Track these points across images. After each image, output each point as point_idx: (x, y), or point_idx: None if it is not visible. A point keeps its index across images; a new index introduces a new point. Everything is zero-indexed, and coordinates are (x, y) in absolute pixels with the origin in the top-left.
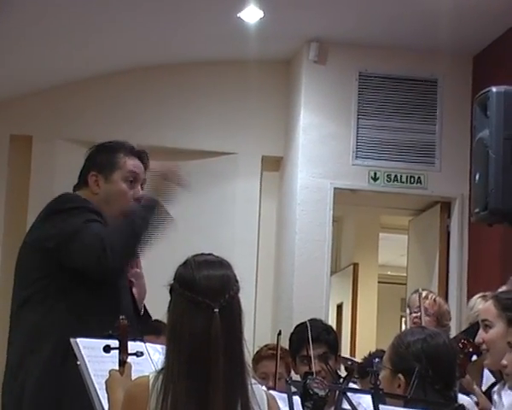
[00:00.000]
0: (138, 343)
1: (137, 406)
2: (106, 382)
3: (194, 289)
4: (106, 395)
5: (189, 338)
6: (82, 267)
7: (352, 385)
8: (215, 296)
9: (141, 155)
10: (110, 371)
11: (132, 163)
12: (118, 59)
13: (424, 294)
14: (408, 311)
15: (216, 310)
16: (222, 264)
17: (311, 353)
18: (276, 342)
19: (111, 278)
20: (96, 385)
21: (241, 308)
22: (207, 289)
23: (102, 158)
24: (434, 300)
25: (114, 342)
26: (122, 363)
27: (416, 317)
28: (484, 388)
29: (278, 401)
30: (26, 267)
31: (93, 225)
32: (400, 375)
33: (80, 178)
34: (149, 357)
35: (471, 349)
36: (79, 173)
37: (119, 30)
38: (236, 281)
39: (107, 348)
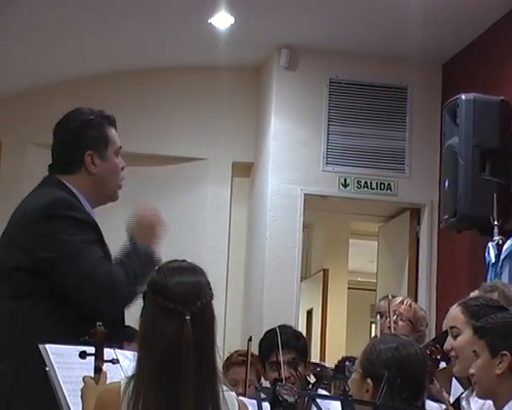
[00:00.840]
0: (109, 350)
1: (116, 398)
2: (81, 390)
3: (167, 295)
4: (76, 401)
5: (160, 345)
6: (80, 297)
7: (321, 391)
8: (187, 303)
9: (113, 122)
10: (84, 379)
11: (117, 135)
12: (87, 64)
13: (399, 299)
14: (378, 317)
15: (187, 317)
16: (195, 270)
17: (281, 359)
18: (243, 350)
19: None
20: (65, 392)
21: (214, 316)
22: (179, 296)
23: (94, 134)
24: (410, 305)
25: (90, 349)
26: (97, 370)
27: (388, 322)
28: (452, 399)
29: (249, 408)
30: (8, 263)
31: (101, 259)
32: (369, 380)
33: (69, 160)
34: (119, 364)
35: (439, 356)
36: (62, 154)
37: (88, 35)
38: (210, 288)
39: (82, 354)
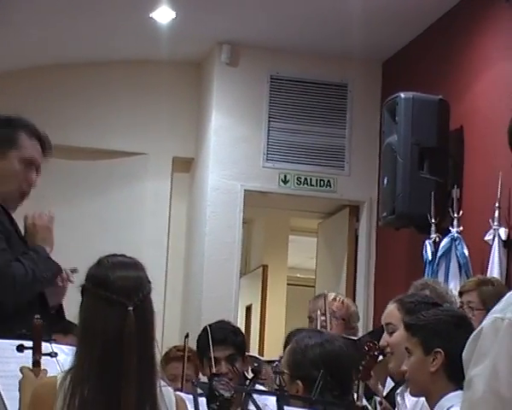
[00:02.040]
0: (46, 344)
1: (44, 406)
2: (20, 382)
3: (109, 288)
4: (11, 396)
5: (101, 337)
6: None
7: (258, 387)
8: (129, 295)
9: (42, 140)
10: (22, 370)
11: (32, 147)
12: (26, 56)
13: (332, 296)
14: (315, 315)
15: (130, 308)
16: (136, 265)
17: (212, 355)
18: (181, 345)
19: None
20: (0, 386)
21: (153, 309)
22: (122, 289)
23: (1, 132)
24: (342, 302)
25: (28, 342)
26: (36, 363)
27: (324, 320)
28: (385, 392)
29: (186, 403)
30: None
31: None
32: (298, 381)
33: None
34: (56, 357)
35: (376, 352)
36: None
37: (28, 27)
38: (149, 282)
39: (20, 348)
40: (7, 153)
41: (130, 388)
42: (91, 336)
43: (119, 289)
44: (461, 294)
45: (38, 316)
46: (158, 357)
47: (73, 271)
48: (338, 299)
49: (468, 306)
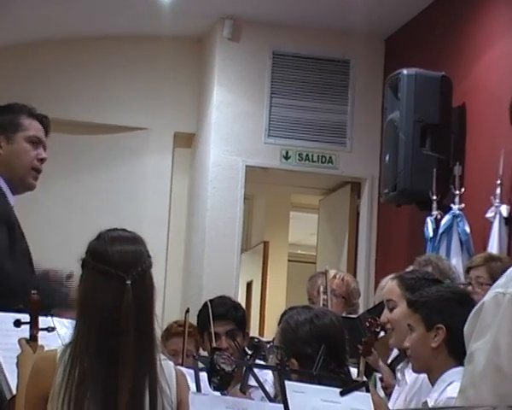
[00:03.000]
0: (46, 318)
1: (43, 379)
2: (18, 356)
3: (108, 261)
4: (11, 369)
5: (100, 310)
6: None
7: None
8: (128, 269)
9: (42, 119)
10: (20, 342)
11: (35, 126)
12: (28, 30)
13: (332, 273)
14: (315, 294)
15: (128, 282)
16: (135, 239)
17: (212, 330)
18: (182, 320)
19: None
20: (1, 358)
21: (153, 284)
22: (120, 263)
23: (4, 119)
24: (342, 279)
25: (25, 317)
26: (33, 338)
27: (325, 299)
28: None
29: (187, 377)
30: None
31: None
32: (293, 360)
33: None
34: (56, 332)
35: (378, 328)
36: None
37: (33, 1)
38: (149, 256)
39: (17, 323)
40: (13, 137)
41: (127, 360)
42: (90, 309)
43: (118, 263)
44: (469, 269)
45: (35, 291)
46: (158, 332)
47: (69, 277)
48: (338, 276)
49: (477, 281)
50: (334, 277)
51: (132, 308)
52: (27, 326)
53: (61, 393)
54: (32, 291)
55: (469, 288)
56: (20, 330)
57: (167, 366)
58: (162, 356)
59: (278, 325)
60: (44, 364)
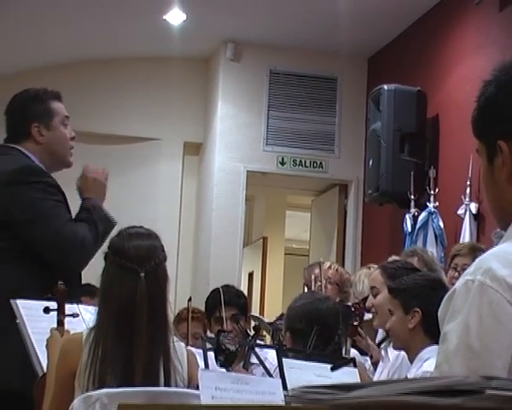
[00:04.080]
0: (72, 305)
1: (71, 358)
2: (47, 339)
3: (124, 256)
4: (42, 349)
5: (117, 299)
6: (51, 255)
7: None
8: (142, 263)
9: (59, 97)
10: (51, 330)
11: (62, 107)
12: (52, 54)
13: (328, 264)
14: (314, 280)
15: (142, 274)
16: (150, 235)
17: (224, 314)
18: (192, 306)
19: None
20: (34, 341)
21: (167, 275)
22: (135, 257)
23: (38, 108)
24: (337, 269)
25: (53, 304)
26: (60, 323)
27: (319, 286)
28: (377, 341)
29: (196, 356)
30: None
31: (68, 222)
32: (288, 332)
33: (18, 132)
34: (82, 317)
35: (363, 312)
36: (12, 127)
37: (52, 25)
38: (163, 250)
39: (46, 310)
40: (51, 123)
41: (141, 342)
42: (109, 297)
43: (133, 256)
44: (454, 256)
45: (62, 282)
46: (171, 317)
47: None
48: (333, 267)
49: (463, 268)
50: (330, 267)
51: (146, 297)
52: (55, 313)
53: (86, 370)
54: (59, 282)
55: (451, 273)
56: (50, 316)
57: (179, 347)
58: (175, 338)
59: None
60: (72, 345)
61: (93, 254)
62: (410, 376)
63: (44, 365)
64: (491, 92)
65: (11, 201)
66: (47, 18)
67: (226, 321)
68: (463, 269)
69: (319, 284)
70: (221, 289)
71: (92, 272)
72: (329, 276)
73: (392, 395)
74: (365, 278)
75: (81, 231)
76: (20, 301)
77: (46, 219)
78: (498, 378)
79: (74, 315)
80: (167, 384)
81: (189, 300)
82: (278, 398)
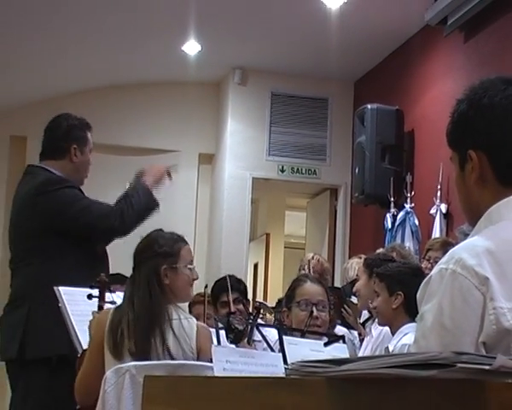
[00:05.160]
0: (110, 294)
1: (101, 327)
2: (90, 321)
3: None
4: (80, 328)
5: (129, 287)
6: (96, 229)
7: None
8: (134, 259)
9: (91, 129)
10: (93, 313)
11: (90, 138)
12: (90, 79)
13: (311, 256)
14: (303, 269)
15: (133, 271)
16: (147, 236)
17: (230, 298)
18: (205, 294)
19: (108, 242)
20: (73, 321)
21: (154, 269)
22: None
23: (79, 134)
24: (318, 260)
25: (95, 292)
26: (100, 308)
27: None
28: (361, 320)
29: (209, 329)
30: (25, 230)
31: (87, 199)
32: (285, 308)
33: (57, 149)
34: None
35: (341, 297)
36: (51, 144)
37: (91, 55)
38: (158, 250)
39: (90, 296)
40: (84, 149)
41: (143, 316)
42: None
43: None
44: (428, 250)
45: (103, 274)
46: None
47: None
48: (315, 258)
49: (435, 260)
50: (313, 258)
51: (136, 290)
52: (96, 299)
53: (109, 335)
54: (102, 274)
55: (425, 264)
56: (86, 301)
57: (189, 323)
58: (188, 315)
59: None
60: (102, 316)
61: (118, 231)
62: (391, 346)
63: (82, 339)
64: (463, 109)
65: (47, 207)
66: (80, 48)
67: (230, 304)
68: (435, 261)
69: (303, 271)
70: (228, 278)
71: (122, 264)
72: (312, 266)
73: (377, 368)
74: (356, 266)
75: (107, 208)
76: (62, 288)
77: (74, 202)
78: (467, 354)
79: (112, 302)
80: (173, 352)
81: (206, 287)
82: (279, 370)
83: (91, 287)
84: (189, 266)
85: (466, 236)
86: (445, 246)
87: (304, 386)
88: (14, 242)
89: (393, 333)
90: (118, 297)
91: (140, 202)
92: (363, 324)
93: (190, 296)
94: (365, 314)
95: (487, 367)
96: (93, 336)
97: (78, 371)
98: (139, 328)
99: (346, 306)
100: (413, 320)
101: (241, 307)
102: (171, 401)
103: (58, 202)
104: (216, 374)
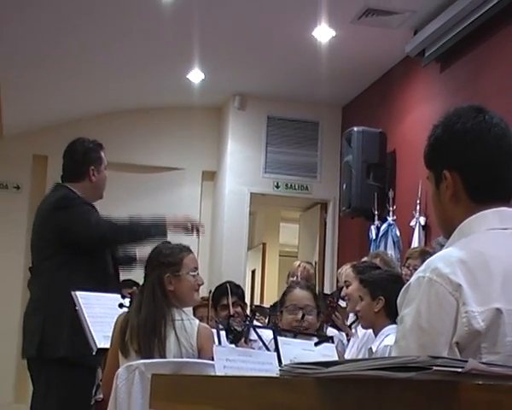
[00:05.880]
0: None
1: (118, 326)
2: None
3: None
4: (95, 329)
5: (139, 294)
6: (82, 238)
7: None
8: (146, 267)
9: (104, 149)
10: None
11: (104, 156)
12: (106, 104)
13: (297, 264)
14: (292, 275)
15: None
16: (155, 247)
17: (230, 302)
18: (207, 296)
19: (96, 251)
20: (89, 322)
21: (159, 278)
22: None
23: (95, 155)
24: (304, 267)
25: (125, 302)
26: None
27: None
28: (348, 323)
29: (211, 330)
30: (43, 241)
31: (94, 214)
32: (278, 313)
33: (78, 171)
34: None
35: (334, 304)
36: (74, 167)
37: (105, 82)
38: (163, 259)
39: (120, 305)
40: (99, 168)
41: (149, 317)
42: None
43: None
44: (408, 258)
45: (135, 287)
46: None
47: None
48: (301, 265)
49: (414, 268)
50: (299, 266)
51: (144, 296)
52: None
53: (122, 330)
54: (133, 287)
55: (405, 271)
56: (100, 304)
57: (191, 323)
58: (190, 317)
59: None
60: (120, 318)
61: (107, 242)
62: (374, 347)
63: (96, 339)
64: (439, 133)
65: (59, 220)
66: (96, 76)
67: (229, 307)
68: (414, 268)
69: (291, 279)
70: (228, 285)
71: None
72: (298, 274)
73: (361, 370)
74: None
75: (106, 224)
76: (78, 293)
77: (81, 214)
78: (442, 358)
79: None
80: (174, 350)
81: (210, 292)
82: (274, 367)
83: (123, 297)
84: (192, 273)
85: (441, 246)
86: (423, 255)
87: (296, 386)
88: (32, 250)
89: (376, 334)
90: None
91: (149, 231)
92: (350, 325)
93: (196, 300)
94: (351, 317)
95: (460, 370)
96: (114, 337)
97: (104, 368)
98: (143, 330)
99: (336, 312)
100: (393, 322)
101: (239, 309)
102: (176, 398)
103: (69, 217)
104: (217, 371)
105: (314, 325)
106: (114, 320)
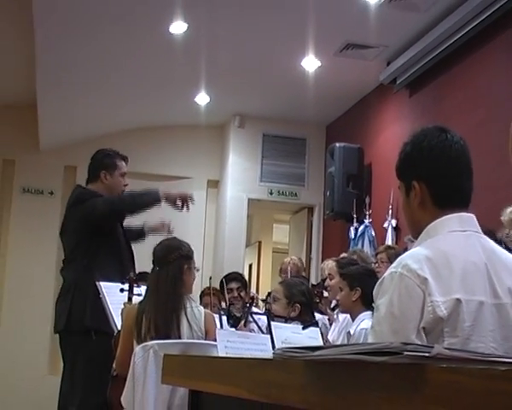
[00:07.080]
0: (138, 288)
1: (130, 316)
2: (122, 310)
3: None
4: (116, 314)
5: (151, 285)
6: (98, 214)
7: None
8: (158, 261)
9: (125, 159)
10: (124, 304)
11: (123, 165)
12: (127, 122)
13: (288, 260)
14: (283, 271)
15: (157, 268)
16: (168, 242)
17: (226, 296)
18: (212, 286)
19: (113, 236)
20: (112, 309)
21: (179, 269)
22: (156, 257)
23: (109, 162)
24: (294, 263)
25: (125, 287)
26: (129, 299)
27: (284, 275)
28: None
29: (214, 316)
30: (69, 234)
31: (100, 198)
32: (297, 304)
33: (93, 174)
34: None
35: (319, 293)
36: (90, 171)
37: (131, 104)
38: (178, 252)
39: (122, 290)
40: (113, 173)
41: (163, 305)
42: (149, 283)
43: (155, 257)
44: (377, 254)
45: (132, 273)
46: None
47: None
48: (291, 262)
49: (381, 261)
50: (289, 262)
51: (162, 284)
52: (126, 292)
53: (137, 323)
54: (131, 273)
55: (376, 265)
56: (122, 294)
57: (199, 310)
58: (197, 305)
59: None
60: (131, 308)
61: (118, 214)
62: (351, 330)
63: (118, 324)
64: (408, 150)
65: (79, 213)
66: (119, 98)
67: (233, 291)
68: (381, 261)
69: (284, 275)
70: (224, 280)
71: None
72: (289, 268)
73: (343, 354)
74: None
75: (110, 198)
76: (102, 283)
77: (93, 203)
78: (412, 344)
79: (139, 295)
80: (187, 334)
81: (210, 278)
82: (268, 347)
83: (123, 282)
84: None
85: (412, 242)
86: (387, 249)
87: (287, 367)
88: (63, 245)
89: (353, 319)
90: (144, 289)
91: (142, 197)
92: (333, 309)
93: (192, 290)
94: (333, 304)
95: (427, 354)
96: (124, 324)
97: (115, 347)
98: (160, 315)
99: (321, 298)
100: (368, 309)
101: (243, 293)
102: (184, 375)
103: (82, 207)
104: (219, 352)
105: (277, 312)
106: (126, 307)
